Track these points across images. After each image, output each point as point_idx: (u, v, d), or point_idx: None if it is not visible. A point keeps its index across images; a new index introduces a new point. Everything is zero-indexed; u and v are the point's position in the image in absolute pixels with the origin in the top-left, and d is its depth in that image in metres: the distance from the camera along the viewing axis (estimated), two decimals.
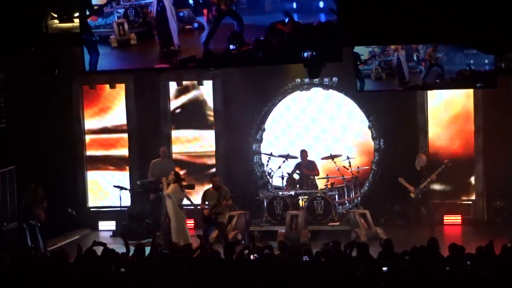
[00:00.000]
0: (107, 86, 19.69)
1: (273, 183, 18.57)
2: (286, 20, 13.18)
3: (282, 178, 18.31)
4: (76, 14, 13.95)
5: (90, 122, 20.02)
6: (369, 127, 19.47)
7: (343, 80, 18.84)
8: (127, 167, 19.98)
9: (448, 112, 19.04)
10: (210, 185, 16.75)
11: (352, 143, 19.65)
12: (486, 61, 14.55)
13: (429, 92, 18.66)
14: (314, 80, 18.65)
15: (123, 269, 11.06)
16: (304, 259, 11.52)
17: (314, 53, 13.23)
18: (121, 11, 13.80)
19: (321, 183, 18.53)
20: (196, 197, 18.12)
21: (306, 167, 18.51)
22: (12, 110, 17.01)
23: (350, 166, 18.27)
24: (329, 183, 18.29)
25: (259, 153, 19.84)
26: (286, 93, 19.72)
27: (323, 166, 18.85)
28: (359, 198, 18.46)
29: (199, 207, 16.54)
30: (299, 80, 19.44)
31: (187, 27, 13.65)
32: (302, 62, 13.62)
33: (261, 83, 19.23)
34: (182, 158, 19.85)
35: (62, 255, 11.54)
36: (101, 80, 19.36)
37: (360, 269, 9.92)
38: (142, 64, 14.30)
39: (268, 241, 15.10)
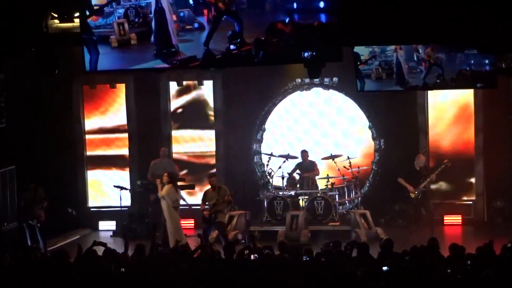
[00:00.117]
0: (108, 86, 19.69)
1: (274, 183, 18.57)
2: (287, 20, 13.18)
3: (283, 178, 18.30)
4: (77, 14, 13.95)
5: (90, 122, 20.01)
6: (370, 127, 19.46)
7: (343, 80, 18.83)
8: (127, 167, 19.97)
9: (448, 112, 19.04)
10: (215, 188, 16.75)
11: (352, 143, 19.63)
12: (486, 61, 14.55)
13: (429, 92, 18.66)
14: (315, 80, 18.64)
15: (123, 269, 11.06)
16: (304, 259, 11.52)
17: (314, 53, 13.24)
18: (122, 11, 13.81)
19: (321, 183, 18.52)
20: (196, 197, 18.19)
21: (307, 167, 18.50)
22: (12, 110, 17.00)
23: (350, 166, 18.26)
24: (329, 183, 18.29)
25: (260, 153, 19.84)
26: (286, 93, 19.71)
27: (323, 166, 18.84)
28: (359, 198, 18.45)
29: (199, 207, 16.52)
30: (299, 80, 19.43)
31: (187, 27, 13.65)
32: (302, 62, 13.63)
33: (261, 83, 19.22)
34: (183, 158, 19.84)
35: (62, 255, 11.53)
36: (102, 80, 19.35)
37: (360, 269, 9.92)
38: (143, 64, 14.28)
39: (268, 241, 15.09)
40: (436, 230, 16.84)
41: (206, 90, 19.77)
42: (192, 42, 13.68)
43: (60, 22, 14.07)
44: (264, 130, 19.91)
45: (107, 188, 19.88)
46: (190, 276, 10.38)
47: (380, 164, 19.40)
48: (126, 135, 19.99)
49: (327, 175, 18.47)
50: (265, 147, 19.84)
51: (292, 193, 18.11)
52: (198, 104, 19.84)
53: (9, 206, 16.59)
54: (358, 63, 15.02)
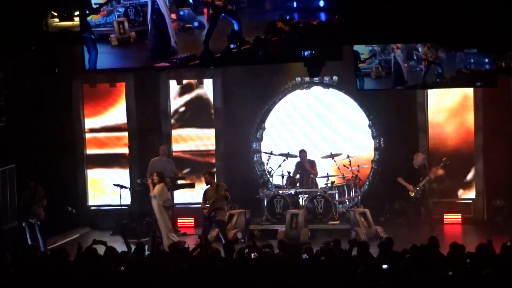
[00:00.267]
0: (107, 85, 19.70)
1: (273, 182, 18.57)
2: (287, 18, 13.18)
3: (282, 177, 18.31)
4: (77, 13, 13.94)
5: (90, 121, 20.01)
6: (369, 126, 19.48)
7: (343, 79, 18.84)
8: (127, 166, 19.97)
9: (448, 111, 19.05)
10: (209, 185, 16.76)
11: (352, 142, 19.63)
12: (486, 60, 14.55)
13: (429, 91, 18.67)
14: (314, 79, 18.66)
15: (122, 268, 11.06)
16: (304, 258, 11.52)
17: (314, 52, 13.24)
18: (122, 9, 13.81)
19: (321, 182, 18.52)
20: (196, 196, 18.21)
21: (306, 167, 18.51)
22: (12, 109, 17.02)
23: (350, 165, 18.27)
24: (329, 182, 18.29)
25: (259, 151, 19.85)
26: (286, 92, 19.73)
27: (323, 165, 18.84)
28: (359, 197, 18.45)
29: (200, 206, 16.51)
30: (299, 79, 19.45)
31: (187, 25, 13.66)
32: (302, 61, 13.62)
33: (261, 81, 19.23)
34: (183, 156, 19.84)
35: (62, 253, 11.53)
36: (101, 79, 19.36)
37: (360, 268, 9.92)
38: (142, 63, 14.28)
39: (268, 240, 15.10)
40: (436, 229, 16.84)
41: (206, 89, 19.76)
42: (192, 41, 13.68)
43: (60, 20, 14.06)
44: (264, 128, 19.92)
45: (107, 187, 19.88)
46: (190, 274, 10.38)
47: (380, 162, 19.42)
48: (126, 133, 19.99)
49: (327, 173, 18.47)
50: (264, 146, 19.85)
51: (292, 191, 18.11)
52: (201, 103, 19.83)
53: (9, 204, 16.61)
54: (358, 62, 15.03)
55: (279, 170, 18.35)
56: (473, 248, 11.40)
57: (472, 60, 14.63)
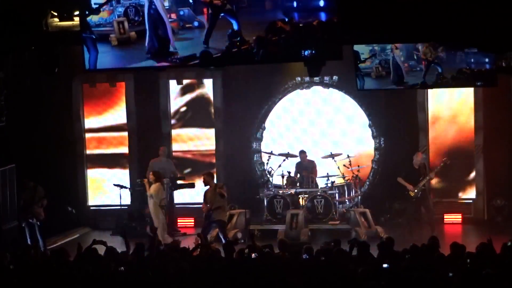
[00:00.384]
0: (107, 84, 19.70)
1: (273, 182, 18.55)
2: (287, 18, 13.18)
3: (283, 177, 18.31)
4: (76, 13, 13.94)
5: (90, 121, 20.01)
6: (370, 126, 19.48)
7: (343, 78, 18.85)
8: (127, 166, 19.96)
9: (448, 111, 19.04)
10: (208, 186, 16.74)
11: (352, 142, 19.63)
12: (486, 59, 14.55)
13: (429, 90, 18.66)
14: (315, 78, 18.66)
15: (122, 268, 11.05)
16: (304, 258, 11.51)
17: (314, 52, 13.24)
18: (122, 9, 13.81)
19: (321, 182, 18.51)
20: (196, 195, 18.19)
21: (306, 167, 18.51)
22: (12, 109, 16.98)
23: (350, 164, 18.26)
24: (329, 181, 18.28)
25: (259, 151, 19.84)
26: (286, 92, 19.73)
27: (323, 165, 18.83)
28: (359, 196, 18.44)
29: (200, 206, 16.50)
30: (299, 78, 19.45)
31: (187, 25, 13.66)
32: (302, 60, 13.62)
33: (261, 81, 19.23)
34: (184, 156, 19.84)
35: (62, 253, 11.53)
36: (101, 79, 19.36)
37: (360, 268, 9.91)
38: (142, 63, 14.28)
39: (268, 240, 15.08)
40: (436, 229, 16.84)
41: (206, 89, 19.76)
42: (192, 41, 13.68)
43: (60, 20, 14.06)
44: (264, 128, 19.92)
45: (107, 187, 19.87)
46: (190, 274, 10.37)
47: (380, 162, 19.42)
48: (126, 133, 19.98)
49: (327, 173, 18.46)
50: (264, 146, 19.84)
51: (292, 191, 18.11)
52: (202, 102, 19.81)
53: (9, 204, 16.58)
54: (358, 61, 15.02)
55: (279, 170, 18.35)
56: (473, 248, 11.39)
57: (472, 60, 14.63)
